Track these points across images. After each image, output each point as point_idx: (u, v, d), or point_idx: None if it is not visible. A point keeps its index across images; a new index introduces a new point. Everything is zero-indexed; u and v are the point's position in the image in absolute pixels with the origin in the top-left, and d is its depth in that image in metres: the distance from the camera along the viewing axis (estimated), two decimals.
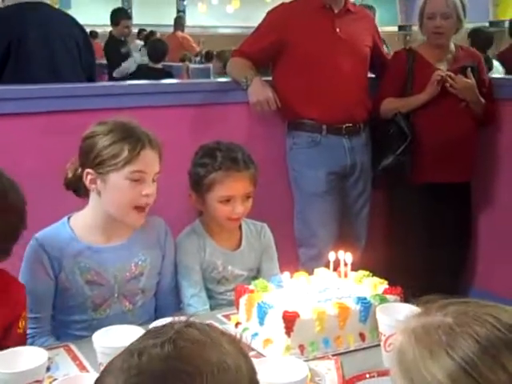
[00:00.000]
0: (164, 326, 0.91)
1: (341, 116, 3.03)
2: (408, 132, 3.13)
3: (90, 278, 1.86)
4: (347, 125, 3.05)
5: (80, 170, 1.85)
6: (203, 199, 2.11)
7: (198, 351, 0.86)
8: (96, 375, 1.37)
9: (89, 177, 1.81)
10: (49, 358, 1.44)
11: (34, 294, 1.77)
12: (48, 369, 1.49)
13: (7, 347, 1.45)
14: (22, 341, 1.66)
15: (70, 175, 1.87)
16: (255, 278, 2.03)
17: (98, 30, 9.44)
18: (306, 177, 3.08)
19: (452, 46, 3.26)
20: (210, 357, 0.86)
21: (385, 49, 3.50)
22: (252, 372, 0.91)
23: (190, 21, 13.90)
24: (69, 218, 1.90)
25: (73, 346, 1.67)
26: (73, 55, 3.18)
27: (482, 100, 3.17)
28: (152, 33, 9.67)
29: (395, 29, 13.64)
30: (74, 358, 1.62)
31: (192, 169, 2.15)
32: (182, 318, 0.94)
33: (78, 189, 1.87)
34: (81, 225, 1.88)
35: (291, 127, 3.11)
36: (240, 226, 2.19)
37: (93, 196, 1.86)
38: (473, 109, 3.17)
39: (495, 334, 0.89)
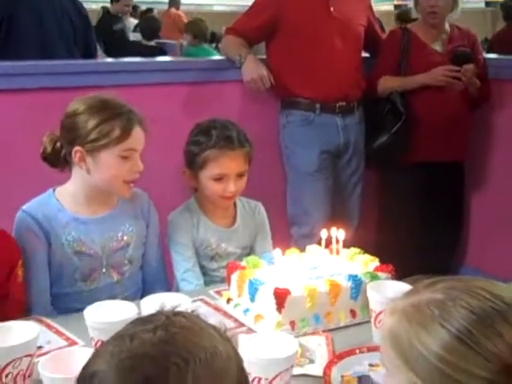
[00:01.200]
0: (153, 314, 0.92)
1: (334, 95, 3.03)
2: (403, 110, 3.13)
3: (78, 249, 1.87)
4: (341, 103, 3.05)
5: (65, 146, 1.84)
6: (196, 176, 2.11)
7: (190, 337, 0.87)
8: (84, 348, 1.39)
9: (78, 155, 1.81)
10: None
11: (30, 263, 1.80)
12: None
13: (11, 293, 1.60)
14: (22, 289, 1.77)
15: (48, 149, 1.85)
16: (248, 255, 2.03)
17: (93, 6, 9.31)
18: (299, 155, 3.08)
19: (447, 26, 3.25)
20: (202, 342, 0.86)
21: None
22: (240, 361, 0.91)
23: None
24: (54, 190, 1.91)
25: (43, 318, 1.70)
26: (66, 33, 3.15)
27: (478, 82, 3.16)
28: (149, 10, 9.55)
29: (391, 8, 13.56)
30: (49, 327, 1.65)
31: (187, 146, 2.15)
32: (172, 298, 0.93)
33: (55, 162, 1.87)
34: (66, 197, 1.89)
35: (285, 105, 3.11)
36: (235, 204, 2.19)
37: (77, 170, 1.86)
38: (469, 90, 3.16)
39: (488, 305, 0.89)
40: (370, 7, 3.29)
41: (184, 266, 2.08)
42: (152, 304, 1.52)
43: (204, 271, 2.13)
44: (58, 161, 1.86)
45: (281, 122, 3.13)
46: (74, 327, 1.63)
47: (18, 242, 1.80)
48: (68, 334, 1.61)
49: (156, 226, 2.06)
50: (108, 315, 1.47)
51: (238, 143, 2.07)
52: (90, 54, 3.28)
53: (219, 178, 2.06)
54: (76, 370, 0.90)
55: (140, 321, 0.91)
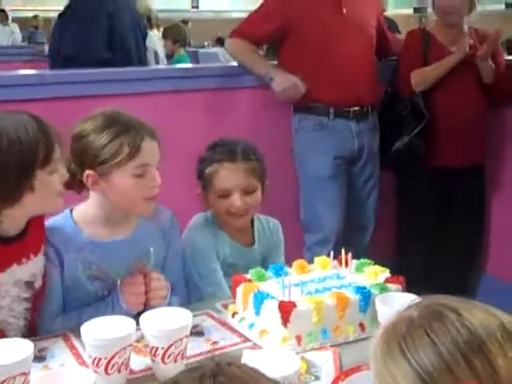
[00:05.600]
0: (204, 361, 0.85)
1: (348, 99, 2.97)
2: (426, 113, 3.06)
3: (91, 274, 1.77)
4: (355, 108, 2.99)
5: (76, 169, 1.74)
6: (206, 196, 2.05)
7: None
8: (79, 368, 1.34)
9: (90, 179, 1.72)
10: (45, 348, 1.41)
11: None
12: (44, 358, 1.47)
13: None
14: None
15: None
16: None
17: None
18: (312, 161, 3.01)
19: (465, 28, 3.18)
20: None
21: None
22: None
23: (203, 5, 13.85)
24: (71, 211, 1.81)
25: (71, 335, 1.64)
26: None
27: (492, 65, 3.06)
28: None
29: (410, 11, 13.49)
30: (72, 347, 1.59)
31: (197, 166, 2.08)
32: None
33: (70, 184, 1.74)
34: (83, 218, 1.80)
35: (298, 110, 3.05)
36: (252, 224, 2.09)
37: (93, 192, 1.77)
38: (481, 71, 3.07)
39: (452, 336, 0.87)
40: (379, 6, 3.25)
41: (210, 280, 1.97)
42: (151, 319, 1.47)
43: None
44: (74, 184, 1.75)
45: (294, 126, 3.07)
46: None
47: None
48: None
49: (178, 245, 1.96)
50: (106, 332, 1.42)
51: (241, 156, 2.01)
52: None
53: (224, 195, 2.00)
54: None
55: (189, 369, 0.84)
